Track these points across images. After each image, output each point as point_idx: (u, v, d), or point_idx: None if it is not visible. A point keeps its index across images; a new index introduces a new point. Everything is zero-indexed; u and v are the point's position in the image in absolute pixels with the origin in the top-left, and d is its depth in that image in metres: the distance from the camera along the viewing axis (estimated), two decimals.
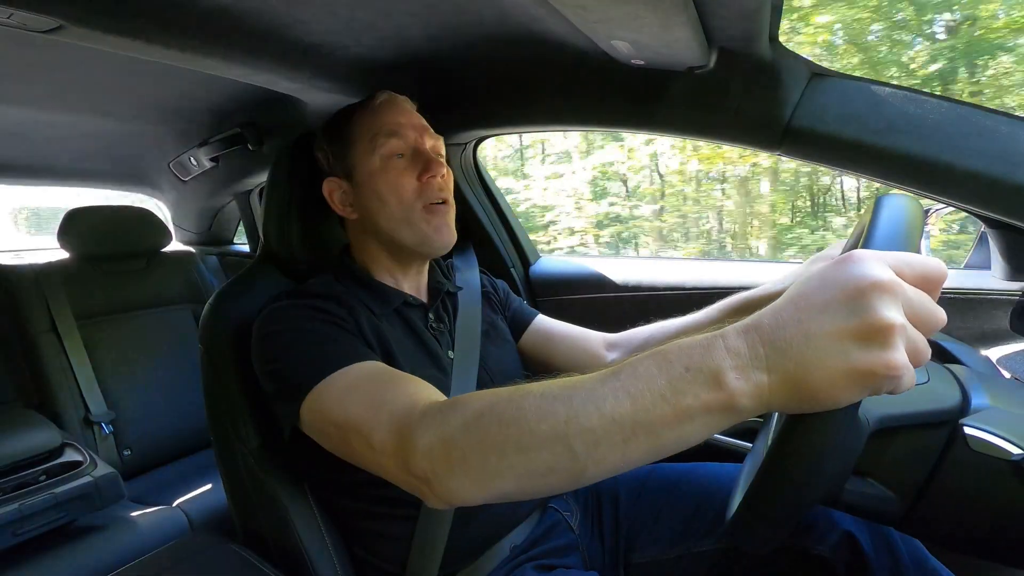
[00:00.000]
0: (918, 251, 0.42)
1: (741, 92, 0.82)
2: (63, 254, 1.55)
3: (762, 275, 1.10)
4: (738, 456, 1.06)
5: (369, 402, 0.57)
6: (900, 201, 0.46)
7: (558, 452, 0.42)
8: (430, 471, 0.48)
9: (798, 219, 4.89)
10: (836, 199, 4.89)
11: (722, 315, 0.80)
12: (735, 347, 0.37)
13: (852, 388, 0.34)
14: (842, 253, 0.68)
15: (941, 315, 0.35)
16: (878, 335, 0.33)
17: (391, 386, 0.58)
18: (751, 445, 0.72)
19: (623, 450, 0.40)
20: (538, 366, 0.97)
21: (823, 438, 0.38)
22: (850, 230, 0.72)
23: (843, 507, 0.51)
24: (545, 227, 5.30)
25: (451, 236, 0.80)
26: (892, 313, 0.33)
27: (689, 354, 0.38)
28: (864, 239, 0.43)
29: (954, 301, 0.87)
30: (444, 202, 0.79)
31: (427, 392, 0.57)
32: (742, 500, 0.46)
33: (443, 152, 0.82)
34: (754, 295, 0.78)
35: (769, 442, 0.42)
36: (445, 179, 0.79)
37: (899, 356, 0.33)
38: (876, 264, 0.35)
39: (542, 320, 0.98)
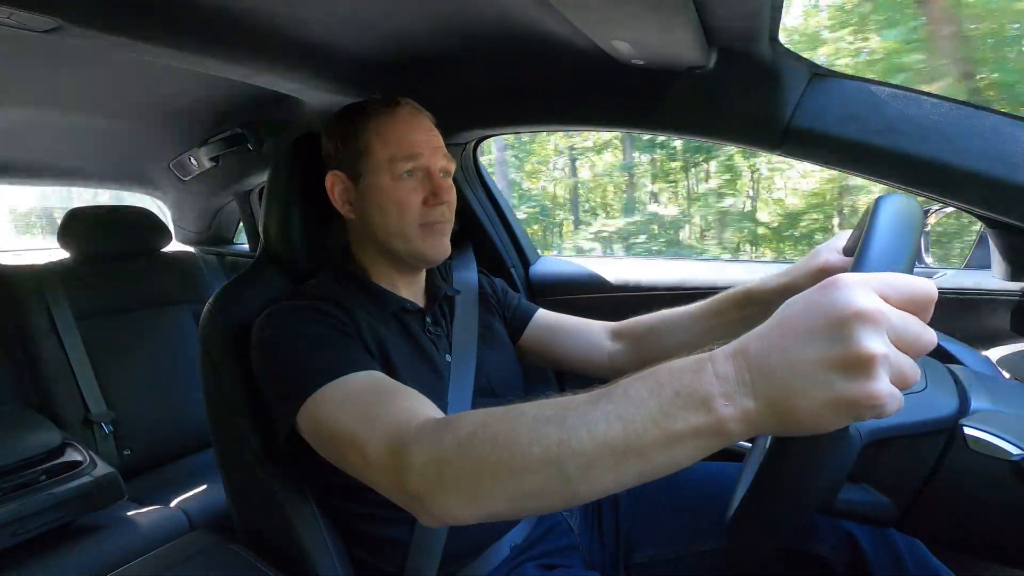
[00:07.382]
0: (918, 253, 0.42)
1: (741, 92, 0.82)
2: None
3: (762, 275, 1.10)
4: (738, 456, 1.06)
5: (365, 415, 0.57)
6: (899, 203, 0.46)
7: (550, 475, 0.42)
8: (423, 490, 0.48)
9: None
10: None
11: (723, 306, 0.80)
12: (723, 372, 0.37)
13: (835, 417, 0.34)
14: (843, 250, 0.68)
15: (929, 338, 0.35)
16: (860, 366, 0.33)
17: (388, 400, 0.58)
18: (751, 445, 0.72)
19: (615, 473, 0.41)
20: (542, 360, 0.97)
21: (810, 457, 0.39)
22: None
23: (837, 514, 0.51)
24: None
25: (445, 251, 0.80)
26: (874, 343, 0.33)
27: (680, 378, 0.39)
28: (860, 245, 0.43)
29: (954, 301, 0.87)
30: (444, 222, 0.79)
31: (423, 407, 0.57)
32: (740, 502, 0.46)
33: (452, 171, 0.82)
34: (755, 287, 0.78)
35: (766, 447, 0.42)
36: (450, 205, 0.79)
37: (881, 386, 0.33)
38: (860, 291, 0.34)
39: (544, 314, 0.98)
